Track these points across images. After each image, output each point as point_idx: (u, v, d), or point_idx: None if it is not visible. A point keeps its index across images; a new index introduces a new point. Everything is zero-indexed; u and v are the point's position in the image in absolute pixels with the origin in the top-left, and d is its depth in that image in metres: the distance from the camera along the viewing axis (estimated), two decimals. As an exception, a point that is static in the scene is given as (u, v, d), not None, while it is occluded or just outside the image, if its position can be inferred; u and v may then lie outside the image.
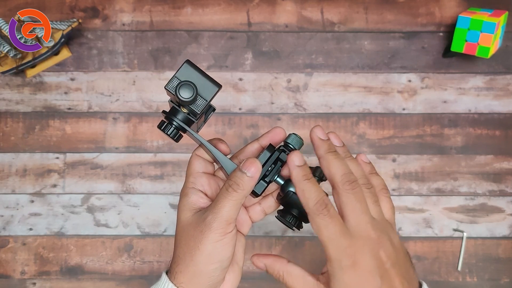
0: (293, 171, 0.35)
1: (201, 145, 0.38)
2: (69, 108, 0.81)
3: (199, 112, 0.36)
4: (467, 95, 0.82)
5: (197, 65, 0.37)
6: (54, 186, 0.79)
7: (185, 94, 0.34)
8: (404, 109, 0.82)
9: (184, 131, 0.37)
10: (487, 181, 0.80)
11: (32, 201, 0.79)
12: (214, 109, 0.39)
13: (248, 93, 0.82)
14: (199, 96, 0.35)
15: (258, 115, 0.81)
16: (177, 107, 0.36)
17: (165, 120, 0.37)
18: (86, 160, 0.80)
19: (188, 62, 0.36)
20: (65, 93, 0.82)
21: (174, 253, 0.37)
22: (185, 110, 0.36)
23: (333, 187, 0.34)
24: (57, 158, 0.80)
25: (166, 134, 0.36)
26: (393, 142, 0.81)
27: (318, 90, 0.82)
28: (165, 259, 0.78)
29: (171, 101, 0.37)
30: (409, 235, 0.79)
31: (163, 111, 0.37)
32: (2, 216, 0.79)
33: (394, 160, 0.81)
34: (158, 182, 0.80)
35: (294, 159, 0.35)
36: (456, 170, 0.80)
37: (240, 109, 0.81)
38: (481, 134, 0.81)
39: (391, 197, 0.82)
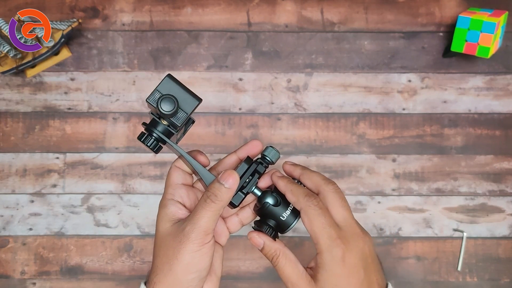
0: (278, 181, 0.39)
1: (180, 156, 0.38)
2: (69, 108, 0.81)
3: (179, 125, 0.36)
4: (467, 95, 0.82)
5: (178, 79, 0.38)
6: (54, 186, 0.79)
7: (166, 107, 0.35)
8: (404, 109, 0.82)
9: (164, 142, 0.37)
10: (487, 181, 0.80)
11: (32, 201, 0.79)
12: (193, 121, 0.41)
13: (248, 93, 0.82)
14: (180, 109, 0.36)
15: (258, 115, 0.81)
16: (157, 119, 0.37)
17: (145, 131, 0.37)
18: (86, 160, 0.80)
19: (170, 76, 0.37)
20: (65, 93, 0.82)
21: (152, 263, 0.37)
22: (165, 122, 0.37)
23: (302, 205, 0.37)
24: (57, 158, 0.80)
25: (146, 145, 0.37)
26: (393, 142, 0.81)
27: (318, 90, 0.82)
28: (165, 259, 0.78)
29: (151, 113, 0.38)
30: (409, 235, 0.79)
31: (143, 123, 0.38)
32: (2, 216, 0.79)
33: (394, 160, 0.80)
34: (158, 182, 0.80)
35: (276, 173, 0.39)
36: (456, 170, 0.80)
37: (240, 109, 0.81)
38: (481, 134, 0.81)
39: (391, 197, 0.82)
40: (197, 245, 0.34)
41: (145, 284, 0.37)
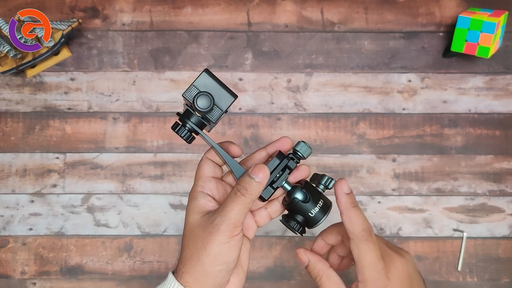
0: (342, 198, 0.38)
1: (212, 147, 0.39)
2: (69, 108, 0.81)
3: (214, 122, 0.37)
4: (467, 95, 0.82)
5: (215, 74, 0.38)
6: (54, 186, 0.79)
7: (203, 105, 0.35)
8: (404, 109, 0.82)
9: (197, 133, 0.38)
10: (487, 181, 0.80)
11: (32, 201, 0.79)
12: (226, 111, 0.41)
13: (248, 93, 0.82)
14: (215, 106, 0.37)
15: (258, 115, 0.81)
16: (191, 110, 0.37)
17: (179, 122, 0.38)
18: (86, 160, 0.80)
19: (207, 71, 0.37)
20: (65, 93, 0.82)
21: (181, 254, 0.38)
22: (198, 114, 0.37)
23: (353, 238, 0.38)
24: (57, 158, 0.80)
25: (180, 136, 0.37)
26: (393, 142, 0.81)
27: (318, 90, 0.82)
28: (165, 259, 0.78)
29: (185, 104, 0.38)
30: (409, 235, 0.79)
31: (178, 113, 0.38)
32: (2, 216, 0.79)
33: (394, 160, 0.81)
34: (158, 182, 0.80)
35: (343, 187, 0.38)
36: (456, 170, 0.80)
37: (240, 109, 0.81)
38: (481, 134, 0.81)
39: (392, 197, 0.82)
40: (226, 237, 0.35)
41: (173, 273, 0.37)
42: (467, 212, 0.79)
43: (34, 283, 0.77)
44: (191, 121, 0.37)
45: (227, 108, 0.37)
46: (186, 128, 0.37)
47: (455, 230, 0.79)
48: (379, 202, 0.79)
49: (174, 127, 0.37)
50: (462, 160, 0.81)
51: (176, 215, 0.79)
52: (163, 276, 0.76)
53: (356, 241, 0.37)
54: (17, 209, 0.79)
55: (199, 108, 0.35)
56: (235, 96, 0.37)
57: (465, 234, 0.78)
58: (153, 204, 0.79)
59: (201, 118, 0.37)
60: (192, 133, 0.38)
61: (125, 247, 0.78)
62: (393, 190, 0.80)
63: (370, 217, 0.79)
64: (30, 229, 0.78)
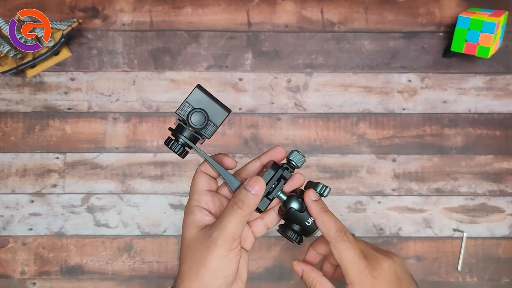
0: (311, 206, 0.39)
1: (206, 160, 0.39)
2: (69, 108, 0.81)
3: (209, 137, 0.37)
4: (467, 95, 0.82)
5: (207, 89, 0.38)
6: (54, 186, 0.79)
7: (197, 121, 0.36)
8: (404, 109, 0.82)
9: (191, 147, 0.38)
10: (487, 181, 0.80)
11: (32, 201, 0.79)
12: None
13: (248, 93, 0.82)
14: (209, 122, 0.37)
15: (258, 115, 0.81)
16: (183, 125, 0.37)
17: (171, 137, 0.38)
18: (86, 160, 0.80)
19: (199, 87, 0.37)
20: (65, 93, 0.82)
21: (179, 269, 0.37)
22: (192, 129, 0.37)
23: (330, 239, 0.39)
24: (57, 158, 0.80)
25: (173, 151, 0.37)
26: (393, 142, 0.81)
27: (318, 90, 0.82)
28: (165, 259, 0.78)
29: (178, 119, 0.38)
30: (409, 235, 0.79)
31: (170, 128, 0.38)
32: (2, 216, 0.79)
33: (394, 160, 0.81)
34: (158, 182, 0.80)
35: (311, 195, 0.39)
36: (456, 170, 0.80)
37: (240, 109, 0.81)
38: (481, 134, 0.81)
39: (391, 197, 0.82)
40: (224, 251, 0.35)
41: None
42: (467, 212, 0.79)
43: (34, 283, 0.77)
44: (184, 135, 0.37)
45: (221, 123, 0.37)
46: (179, 143, 0.37)
47: (455, 230, 0.79)
48: (379, 202, 0.79)
49: (167, 143, 0.37)
50: (462, 160, 0.81)
51: (176, 215, 0.79)
52: (163, 277, 0.76)
53: (333, 243, 0.38)
54: (17, 209, 0.79)
55: (193, 125, 0.35)
56: (229, 111, 0.37)
57: (465, 234, 0.78)
58: (153, 204, 0.79)
59: (194, 132, 0.37)
60: (186, 148, 0.38)
61: (125, 247, 0.78)
62: (393, 190, 0.80)
63: (370, 217, 0.79)
64: (30, 229, 0.78)
